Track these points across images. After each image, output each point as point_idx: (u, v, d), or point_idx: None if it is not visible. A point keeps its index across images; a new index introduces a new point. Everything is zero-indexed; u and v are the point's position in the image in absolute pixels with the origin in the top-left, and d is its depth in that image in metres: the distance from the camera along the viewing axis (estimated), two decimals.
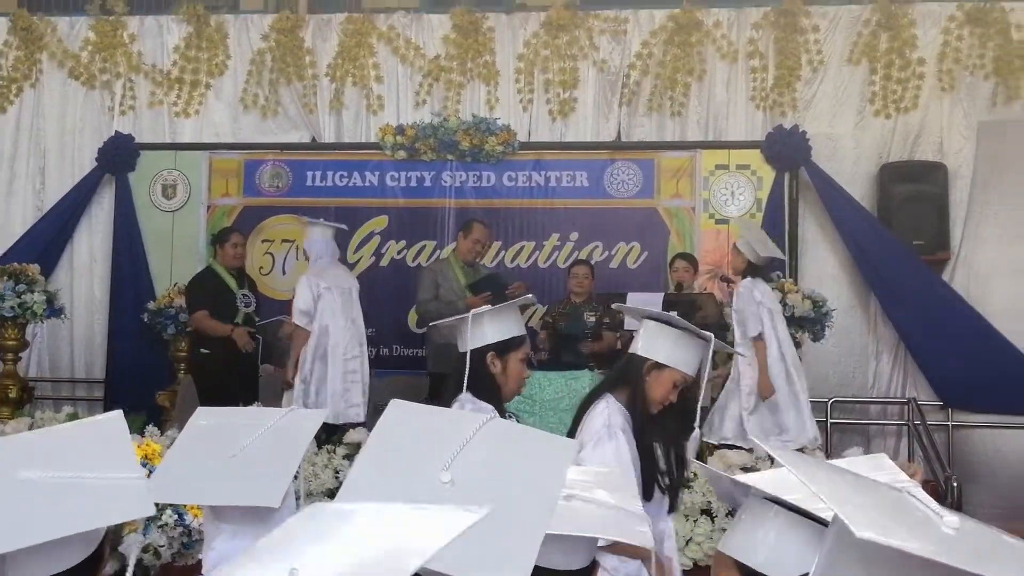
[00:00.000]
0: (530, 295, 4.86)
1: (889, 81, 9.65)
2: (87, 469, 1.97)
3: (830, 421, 9.01)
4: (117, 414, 2.16)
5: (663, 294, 8.05)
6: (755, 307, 7.38)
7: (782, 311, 7.69)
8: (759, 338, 7.39)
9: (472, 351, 3.97)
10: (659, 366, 3.88)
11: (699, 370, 3.94)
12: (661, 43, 9.82)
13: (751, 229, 7.93)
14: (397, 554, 1.29)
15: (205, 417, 2.78)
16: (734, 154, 9.62)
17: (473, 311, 4.04)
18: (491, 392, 3.98)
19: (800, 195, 9.53)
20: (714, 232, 9.55)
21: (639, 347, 3.92)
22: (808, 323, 8.27)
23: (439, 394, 8.08)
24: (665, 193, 9.65)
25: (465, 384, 3.89)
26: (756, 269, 7.58)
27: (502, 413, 3.95)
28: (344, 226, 8.75)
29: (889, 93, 9.64)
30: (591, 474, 2.54)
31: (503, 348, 4.03)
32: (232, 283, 8.46)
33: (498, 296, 7.85)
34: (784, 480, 1.92)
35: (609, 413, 3.79)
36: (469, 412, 1.99)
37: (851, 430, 9.38)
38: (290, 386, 7.74)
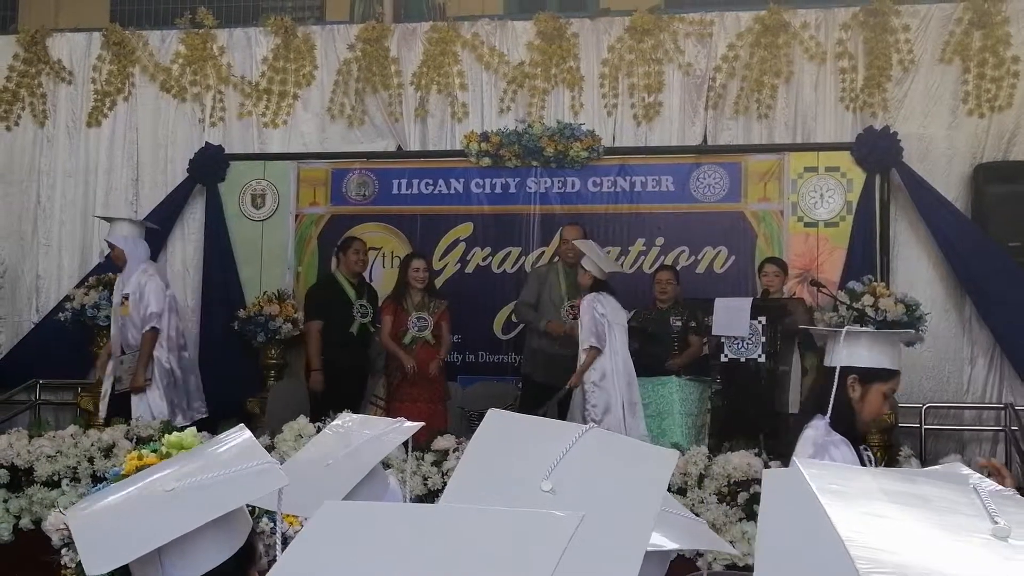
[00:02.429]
0: (911, 331, 4.48)
1: (983, 80, 9.44)
2: (222, 468, 2.02)
3: (924, 427, 8.83)
4: (240, 427, 2.26)
5: (751, 299, 7.95)
6: (594, 320, 7.66)
7: (625, 326, 7.93)
8: (593, 349, 7.66)
9: (832, 369, 3.73)
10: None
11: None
12: (747, 45, 9.72)
13: (592, 248, 8.11)
14: (523, 569, 1.28)
15: (341, 421, 2.86)
16: (823, 156, 9.48)
17: (848, 328, 3.85)
18: (845, 417, 3.70)
19: (892, 197, 9.36)
20: (803, 236, 9.42)
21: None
22: (901, 327, 8.10)
23: (526, 399, 8.16)
24: (752, 197, 9.54)
25: (831, 403, 3.64)
26: (602, 284, 7.84)
27: (855, 443, 3.68)
28: (156, 226, 9.08)
29: (983, 92, 9.43)
30: None
31: (869, 376, 3.76)
32: (351, 293, 8.62)
33: None
34: None
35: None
36: (567, 423, 1.97)
37: (945, 436, 9.17)
38: (142, 389, 7.84)
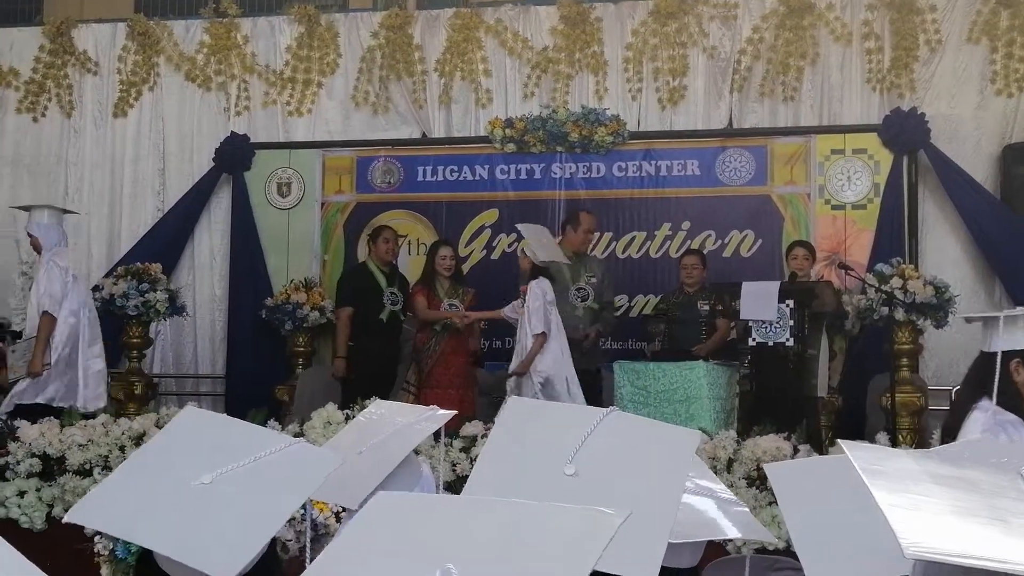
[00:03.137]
0: None
1: (1011, 59, 9.36)
2: (251, 453, 2.02)
3: None
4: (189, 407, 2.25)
5: (779, 283, 7.91)
6: (543, 306, 7.73)
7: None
8: (542, 335, 7.68)
9: (993, 354, 3.70)
10: None
11: None
12: (772, 27, 9.67)
13: (533, 232, 8.14)
14: (566, 563, 1.28)
15: (374, 408, 2.86)
16: (850, 138, 9.42)
17: (1006, 312, 3.80)
18: (1012, 400, 3.65)
19: (920, 178, 9.29)
20: (831, 218, 9.37)
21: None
22: (930, 309, 8.03)
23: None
24: (779, 180, 9.49)
25: (996, 389, 3.60)
26: (540, 270, 7.86)
27: None
28: (76, 211, 9.06)
29: (1011, 72, 9.35)
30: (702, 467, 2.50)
31: None
32: (382, 280, 8.64)
33: None
34: None
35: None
36: (588, 407, 1.97)
37: None
38: (39, 374, 7.78)
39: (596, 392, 8.24)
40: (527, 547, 1.33)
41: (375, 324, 8.58)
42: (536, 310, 7.77)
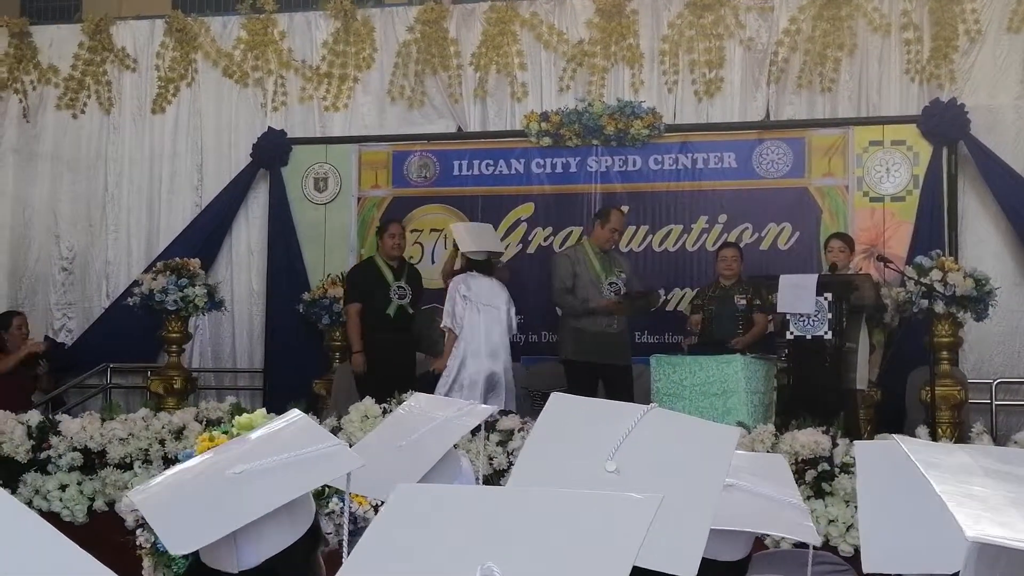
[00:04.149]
0: None
1: None
2: (289, 451, 2.05)
3: (995, 403, 8.70)
4: (294, 411, 2.31)
5: (817, 276, 7.86)
6: (453, 301, 7.85)
7: (496, 307, 7.98)
8: (450, 332, 7.86)
9: None
10: None
11: None
12: (810, 18, 9.60)
13: (468, 226, 8.46)
14: (606, 552, 1.28)
15: (412, 402, 2.89)
16: (888, 129, 9.35)
17: None
18: None
19: (959, 170, 9.21)
20: (869, 211, 9.30)
21: None
22: (970, 302, 7.96)
23: (576, 382, 8.13)
24: (816, 172, 9.43)
25: None
26: (476, 264, 7.97)
27: None
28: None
29: None
30: (752, 460, 2.49)
31: None
32: (389, 275, 8.60)
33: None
34: None
35: None
36: (629, 404, 1.98)
37: (1017, 412, 9.02)
38: None
39: (629, 387, 8.19)
40: (566, 536, 1.33)
41: (383, 319, 8.54)
42: (446, 306, 7.94)
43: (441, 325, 7.94)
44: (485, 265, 8.06)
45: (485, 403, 7.33)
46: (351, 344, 8.60)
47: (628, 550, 1.29)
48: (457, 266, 8.25)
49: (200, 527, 1.90)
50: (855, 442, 1.92)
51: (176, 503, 1.99)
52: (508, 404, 7.76)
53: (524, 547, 1.31)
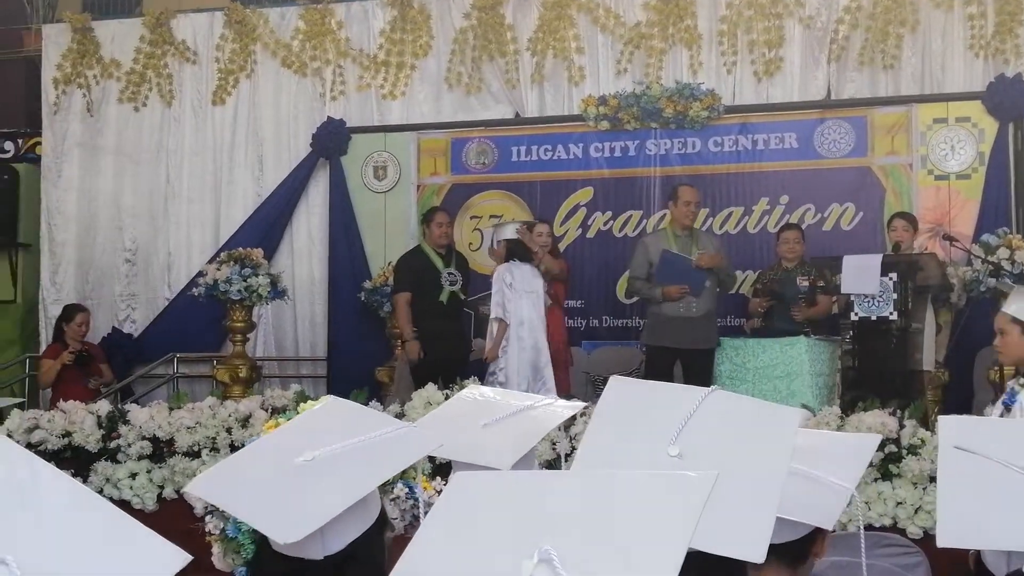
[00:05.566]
0: None
1: None
2: (356, 435, 2.06)
3: None
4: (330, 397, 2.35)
5: (881, 255, 7.76)
6: (501, 291, 7.94)
7: (537, 293, 8.09)
8: (500, 321, 7.95)
9: None
10: None
11: None
12: None
13: (505, 224, 8.57)
14: (663, 531, 1.27)
15: (475, 391, 2.92)
16: (953, 106, 9.20)
17: None
18: None
19: None
20: (934, 189, 9.17)
21: None
22: None
23: (653, 367, 8.11)
24: (879, 151, 9.31)
25: None
26: (515, 253, 8.07)
27: None
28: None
29: None
30: (818, 439, 2.46)
31: None
32: (438, 262, 8.60)
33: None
34: None
35: None
36: (689, 386, 1.96)
37: None
38: None
39: (708, 371, 8.09)
40: (621, 517, 1.33)
41: (436, 306, 8.52)
42: (494, 296, 8.01)
43: (492, 316, 7.98)
44: (524, 252, 8.12)
45: (531, 390, 7.43)
46: (402, 333, 8.62)
47: (684, 528, 1.28)
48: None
49: (298, 517, 1.91)
50: (940, 416, 1.89)
51: (261, 495, 1.99)
52: (550, 385, 7.80)
53: (580, 529, 1.31)
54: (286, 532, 1.91)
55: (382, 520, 2.11)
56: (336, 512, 1.92)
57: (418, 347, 8.42)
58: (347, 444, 2.04)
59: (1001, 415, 5.24)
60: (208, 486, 2.10)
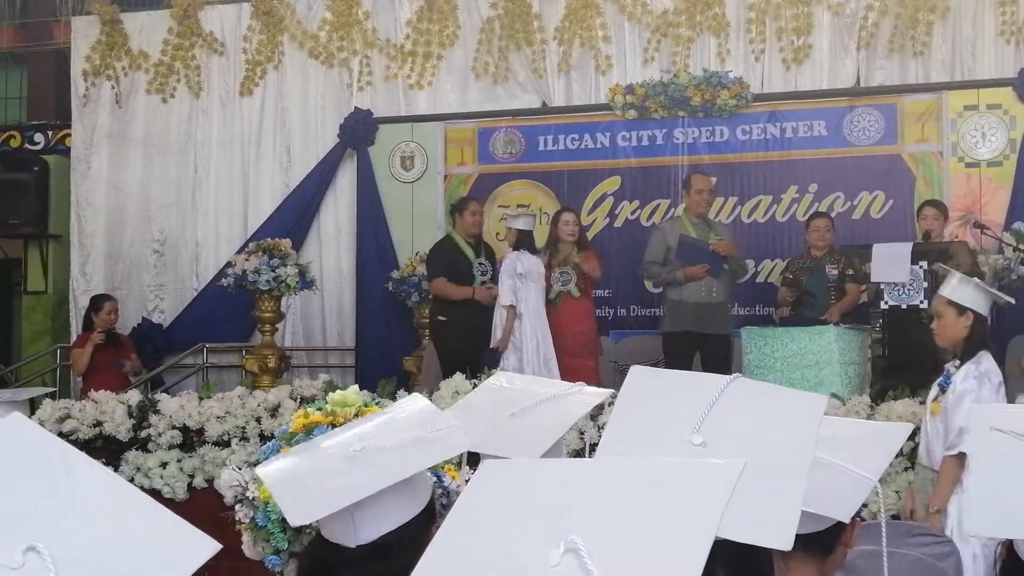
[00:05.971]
0: None
1: None
2: (407, 431, 2.10)
3: None
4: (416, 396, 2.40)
5: (911, 244, 7.70)
6: (511, 277, 7.93)
7: (540, 283, 8.12)
8: (511, 309, 7.92)
9: None
10: None
11: None
12: None
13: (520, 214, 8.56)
14: (690, 519, 1.26)
15: (504, 380, 2.93)
16: (984, 93, 9.12)
17: None
18: None
19: None
20: (964, 176, 9.09)
21: None
22: None
23: (673, 354, 8.09)
24: (909, 138, 9.24)
25: None
26: (523, 243, 8.06)
27: None
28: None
29: None
30: (845, 427, 2.45)
31: None
32: (470, 252, 8.60)
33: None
34: None
35: None
36: (710, 374, 1.95)
37: None
38: None
39: (728, 357, 8.14)
40: (648, 505, 1.32)
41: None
42: (503, 282, 7.99)
43: (505, 304, 7.95)
44: (531, 242, 8.16)
45: (542, 375, 7.44)
46: (456, 298, 8.45)
47: (711, 516, 1.27)
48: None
49: (317, 501, 1.96)
50: (971, 405, 1.88)
51: (300, 479, 2.04)
52: (555, 374, 7.77)
53: (607, 518, 1.30)
54: (297, 514, 1.97)
55: (427, 515, 2.12)
56: (340, 505, 1.95)
57: (486, 291, 8.33)
58: (396, 439, 2.07)
59: (936, 397, 5.22)
60: (269, 468, 2.14)
